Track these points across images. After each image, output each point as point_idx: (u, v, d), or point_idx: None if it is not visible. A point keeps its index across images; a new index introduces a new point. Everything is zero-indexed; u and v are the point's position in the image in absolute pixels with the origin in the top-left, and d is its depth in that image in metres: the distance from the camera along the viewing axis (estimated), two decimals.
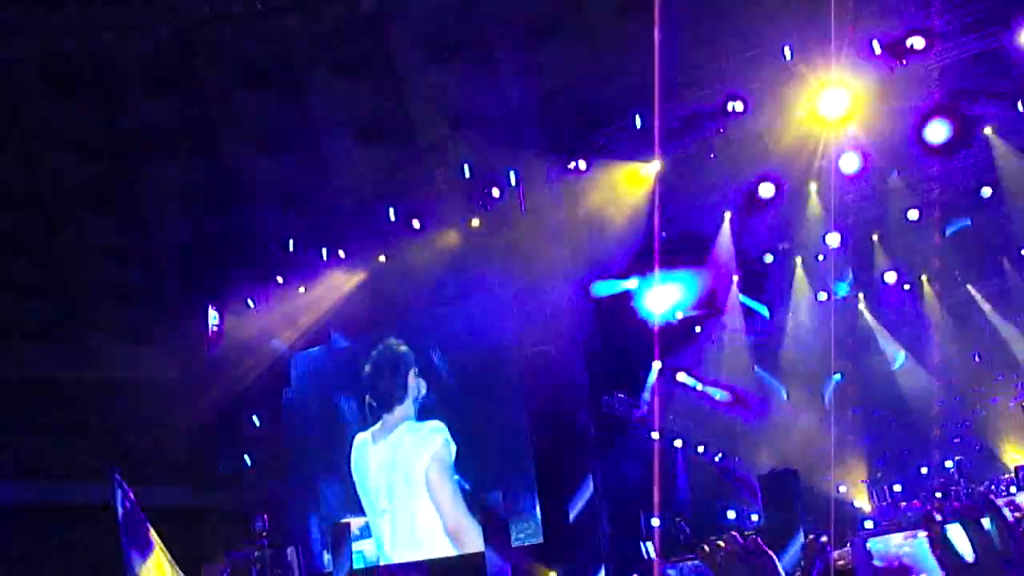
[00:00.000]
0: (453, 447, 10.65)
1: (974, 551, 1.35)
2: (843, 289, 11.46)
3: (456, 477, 10.59)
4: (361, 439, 11.15)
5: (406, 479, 10.73)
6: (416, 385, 10.91)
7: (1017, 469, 10.19)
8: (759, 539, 1.86)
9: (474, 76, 9.71)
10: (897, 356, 11.76)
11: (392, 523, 10.79)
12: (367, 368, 11.18)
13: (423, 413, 10.89)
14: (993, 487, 10.20)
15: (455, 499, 10.50)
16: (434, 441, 10.69)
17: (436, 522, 10.50)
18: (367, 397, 11.10)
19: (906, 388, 11.66)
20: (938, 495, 10.44)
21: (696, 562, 6.69)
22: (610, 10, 9.18)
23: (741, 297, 11.37)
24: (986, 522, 1.36)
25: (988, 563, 1.33)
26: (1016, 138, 10.25)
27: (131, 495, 5.39)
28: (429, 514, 10.53)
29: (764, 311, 11.50)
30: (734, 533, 1.86)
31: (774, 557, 1.86)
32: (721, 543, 1.90)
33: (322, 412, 11.70)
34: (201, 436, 11.75)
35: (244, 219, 11.25)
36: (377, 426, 11.05)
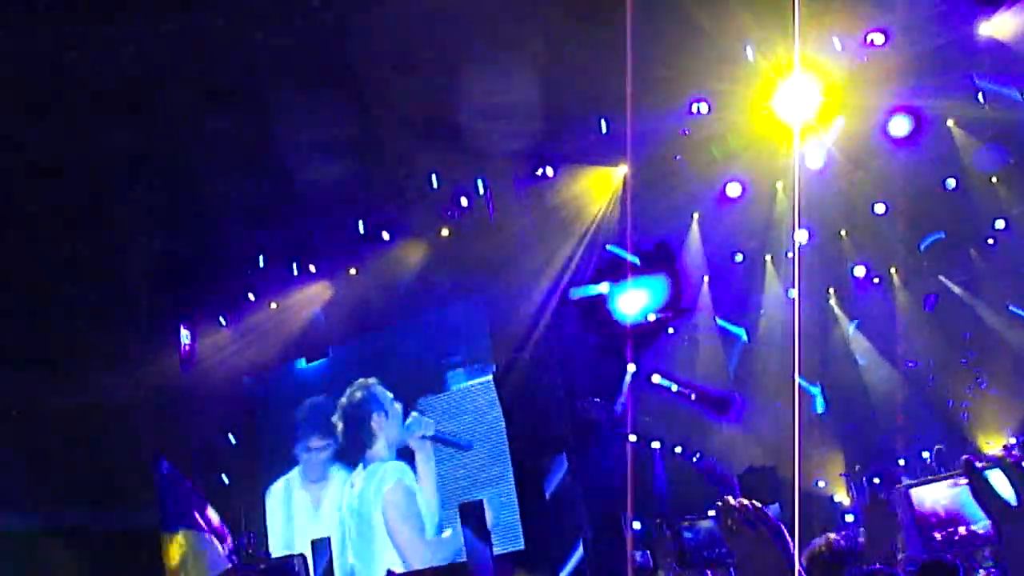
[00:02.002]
0: (411, 485, 10.63)
1: (1017, 494, 1.35)
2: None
3: (423, 513, 10.55)
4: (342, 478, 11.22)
5: (368, 524, 10.76)
6: (385, 426, 10.90)
7: (1007, 447, 10.32)
8: (766, 510, 1.87)
9: (439, 85, 9.67)
10: (864, 353, 11.88)
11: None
12: (335, 415, 11.26)
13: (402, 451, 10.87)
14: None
15: (415, 542, 10.50)
16: (388, 483, 10.73)
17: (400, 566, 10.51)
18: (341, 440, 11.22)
19: (878, 380, 11.76)
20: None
21: (709, 524, 6.71)
22: (574, 15, 9.19)
23: (719, 321, 11.45)
24: None
25: None
26: (977, 129, 10.39)
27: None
28: (393, 559, 10.53)
29: (742, 334, 11.58)
30: (745, 501, 1.88)
31: (784, 530, 1.87)
32: (735, 504, 1.92)
33: (293, 431, 11.71)
34: (177, 456, 11.63)
35: (213, 237, 11.15)
36: (359, 467, 11.12)
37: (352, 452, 11.05)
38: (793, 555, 1.90)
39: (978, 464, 1.43)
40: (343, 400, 11.16)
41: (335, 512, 11.10)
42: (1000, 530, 1.34)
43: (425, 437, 10.59)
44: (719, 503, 1.97)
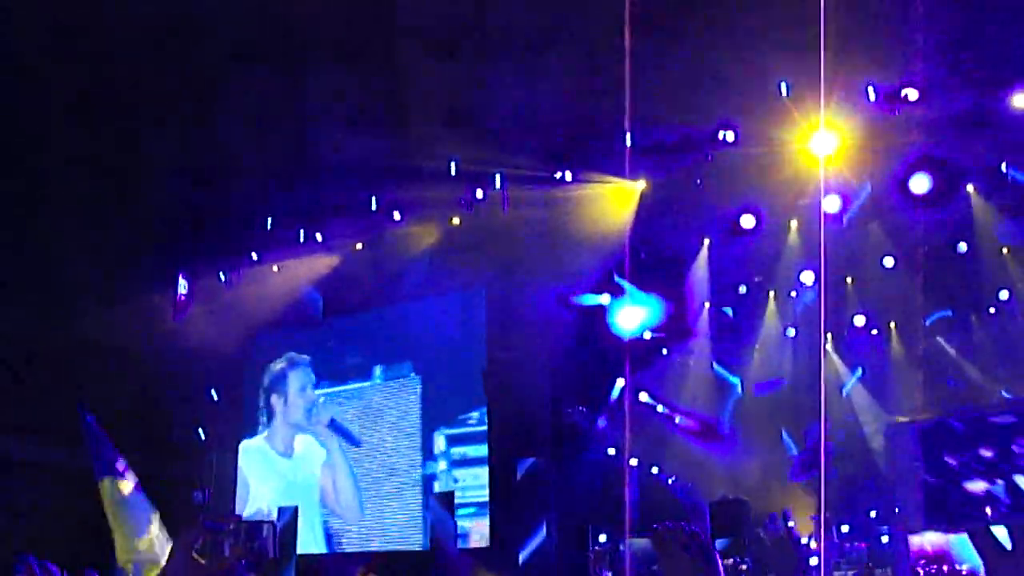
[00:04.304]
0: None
1: (1012, 542, 1.42)
2: (809, 296, 11.43)
3: None
4: None
5: None
6: (283, 408, 11.31)
7: None
8: (704, 536, 1.92)
9: (472, 75, 9.67)
10: (848, 380, 11.87)
11: None
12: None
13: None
14: None
15: None
16: None
17: None
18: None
19: (869, 431, 11.75)
20: (884, 540, 10.49)
21: (645, 542, 6.84)
22: (613, 25, 9.19)
23: (715, 367, 11.45)
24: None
25: None
26: (996, 197, 10.40)
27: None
28: None
29: (738, 384, 11.56)
30: (683, 524, 1.93)
31: (716, 555, 1.93)
32: (671, 529, 1.97)
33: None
34: (157, 404, 11.60)
35: (225, 193, 11.13)
36: None
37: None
38: None
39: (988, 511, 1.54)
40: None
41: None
42: (990, 570, 1.43)
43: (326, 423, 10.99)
44: (656, 525, 2.03)
